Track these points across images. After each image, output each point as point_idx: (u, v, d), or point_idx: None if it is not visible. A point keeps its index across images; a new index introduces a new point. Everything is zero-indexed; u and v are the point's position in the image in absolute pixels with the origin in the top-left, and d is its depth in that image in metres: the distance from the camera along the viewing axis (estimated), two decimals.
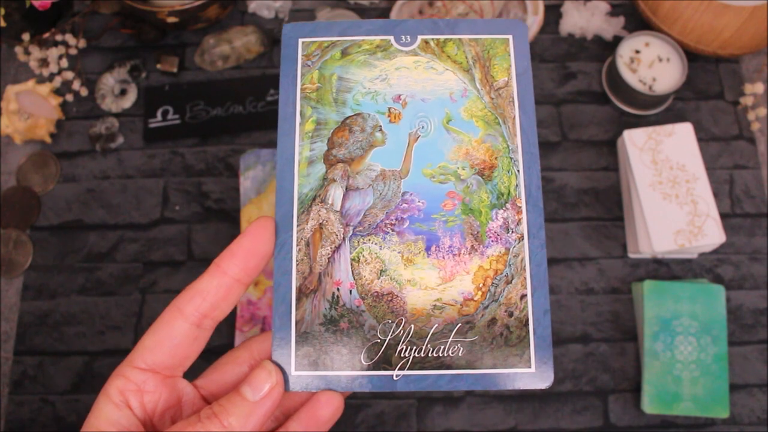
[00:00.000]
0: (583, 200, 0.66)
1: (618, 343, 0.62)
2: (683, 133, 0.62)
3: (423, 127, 0.30)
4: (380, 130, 0.30)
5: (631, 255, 0.64)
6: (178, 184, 0.68)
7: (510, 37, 0.31)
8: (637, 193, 0.61)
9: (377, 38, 0.31)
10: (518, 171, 0.29)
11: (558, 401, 0.60)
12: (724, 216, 0.64)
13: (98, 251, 0.66)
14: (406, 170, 0.29)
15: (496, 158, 0.29)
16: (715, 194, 0.65)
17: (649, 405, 0.58)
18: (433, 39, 0.31)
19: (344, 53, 0.31)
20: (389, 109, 0.30)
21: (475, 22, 0.31)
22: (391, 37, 0.31)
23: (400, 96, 0.30)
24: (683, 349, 0.58)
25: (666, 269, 0.63)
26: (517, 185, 0.29)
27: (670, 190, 0.60)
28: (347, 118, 0.30)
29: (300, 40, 0.31)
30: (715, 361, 0.58)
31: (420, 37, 0.31)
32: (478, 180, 0.29)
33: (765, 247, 0.64)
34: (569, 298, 0.63)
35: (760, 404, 0.59)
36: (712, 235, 0.58)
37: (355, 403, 0.60)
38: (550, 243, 0.65)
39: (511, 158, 0.29)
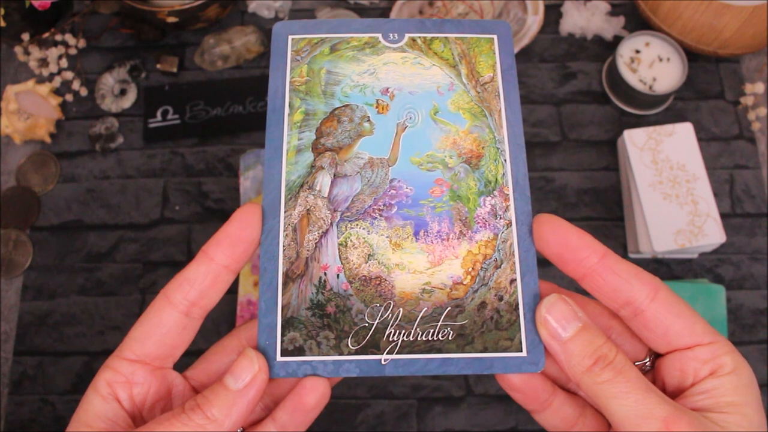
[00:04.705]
0: (583, 200, 0.66)
1: None
2: (683, 133, 0.62)
3: (411, 118, 0.30)
4: (368, 120, 0.30)
5: (632, 255, 0.64)
6: (178, 184, 0.68)
7: (495, 36, 0.32)
8: (637, 193, 0.61)
9: (365, 35, 0.31)
10: (505, 161, 0.30)
11: None
12: (724, 216, 0.64)
13: (98, 251, 0.66)
14: (394, 158, 0.30)
15: (483, 148, 0.30)
16: (716, 194, 0.65)
17: None
18: (419, 37, 0.31)
19: (333, 49, 0.31)
20: (377, 101, 0.30)
21: (461, 23, 0.32)
22: (379, 35, 0.31)
23: (388, 89, 0.31)
24: None
25: (666, 269, 0.63)
26: (504, 174, 0.29)
27: (670, 190, 0.60)
28: (336, 108, 0.30)
29: (290, 37, 0.31)
30: None
31: (407, 35, 0.31)
32: (465, 168, 0.29)
33: (765, 247, 0.64)
34: None
35: None
36: (712, 235, 0.58)
37: (355, 403, 0.60)
38: None
39: (497, 148, 0.30)
